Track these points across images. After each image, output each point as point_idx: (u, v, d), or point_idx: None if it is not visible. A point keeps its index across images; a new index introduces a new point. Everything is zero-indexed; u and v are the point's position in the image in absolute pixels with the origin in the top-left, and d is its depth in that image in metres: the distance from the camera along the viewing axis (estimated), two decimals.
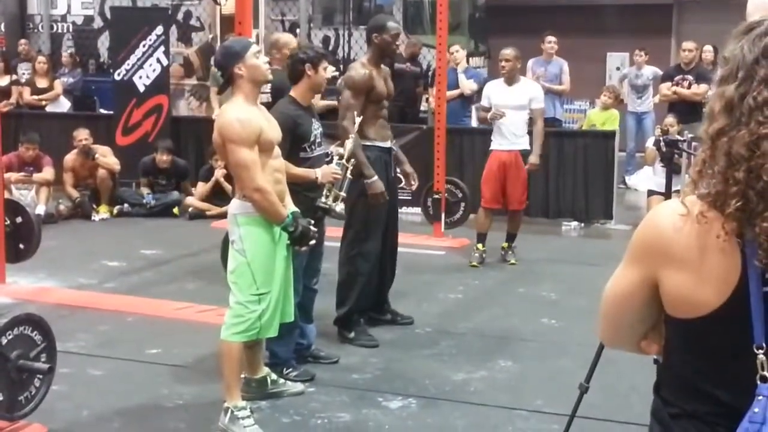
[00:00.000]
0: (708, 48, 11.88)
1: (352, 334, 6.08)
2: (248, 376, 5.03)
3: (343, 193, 5.35)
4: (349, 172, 5.39)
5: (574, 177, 10.25)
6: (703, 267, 1.64)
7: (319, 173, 5.24)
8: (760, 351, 1.63)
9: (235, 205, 4.66)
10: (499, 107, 8.02)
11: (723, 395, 1.70)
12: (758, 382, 1.63)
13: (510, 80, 8.14)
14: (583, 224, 10.20)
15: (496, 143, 8.20)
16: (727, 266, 1.63)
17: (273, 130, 4.66)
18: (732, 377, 1.69)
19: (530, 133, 8.18)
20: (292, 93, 5.43)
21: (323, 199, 5.28)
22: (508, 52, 8.18)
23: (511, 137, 8.09)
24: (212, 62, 4.72)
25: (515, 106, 8.02)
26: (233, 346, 4.66)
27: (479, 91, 11.32)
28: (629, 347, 1.92)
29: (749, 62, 1.65)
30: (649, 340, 1.87)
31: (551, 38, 11.85)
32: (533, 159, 8.15)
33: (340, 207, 5.36)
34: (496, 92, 8.18)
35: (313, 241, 4.81)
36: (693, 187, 1.69)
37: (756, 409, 1.63)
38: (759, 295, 1.62)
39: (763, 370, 1.63)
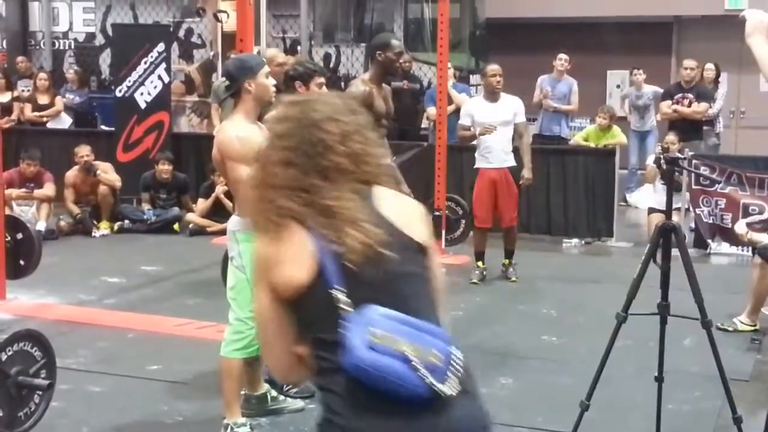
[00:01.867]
0: (710, 66, 11.89)
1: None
2: (248, 392, 5.02)
3: None
4: None
5: (576, 194, 10.25)
6: (288, 255, 2.13)
7: None
8: (333, 289, 2.08)
9: (234, 222, 4.66)
10: (486, 124, 7.90)
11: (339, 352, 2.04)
12: (341, 311, 2.07)
13: (494, 96, 8.04)
14: (583, 242, 10.20)
15: (484, 161, 8.06)
16: (305, 249, 2.12)
17: None
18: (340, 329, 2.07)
19: (514, 150, 8.13)
20: None
21: None
22: (497, 67, 8.13)
23: (500, 154, 7.99)
24: (221, 73, 4.70)
25: (502, 122, 7.92)
26: (233, 363, 4.66)
27: None
28: (289, 363, 2.23)
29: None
30: (298, 346, 2.20)
31: (563, 56, 11.87)
32: (527, 174, 8.11)
33: None
34: (479, 110, 8.06)
35: None
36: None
37: (348, 334, 2.03)
38: (326, 251, 2.10)
39: (338, 303, 2.07)
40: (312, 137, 2.20)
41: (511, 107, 8.05)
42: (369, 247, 2.11)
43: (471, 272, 8.31)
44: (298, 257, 2.13)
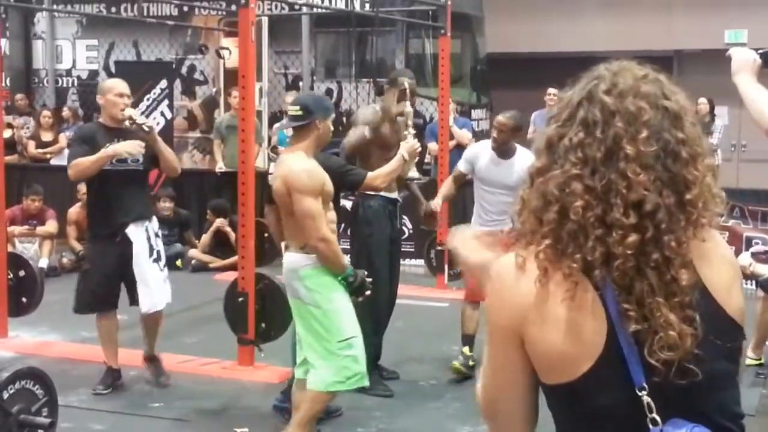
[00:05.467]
0: (702, 100, 12.02)
1: (368, 384, 6.01)
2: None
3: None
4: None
5: None
6: (563, 319, 1.56)
7: (404, 152, 5.60)
8: (644, 392, 1.54)
9: (293, 260, 4.65)
10: (485, 182, 6.40)
11: None
12: (650, 426, 1.54)
13: (503, 153, 6.31)
14: None
15: (476, 222, 6.42)
16: (589, 314, 1.56)
17: (330, 183, 4.71)
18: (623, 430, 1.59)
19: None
20: None
21: (411, 174, 6.20)
22: (503, 120, 6.31)
23: (494, 215, 6.30)
24: (296, 101, 4.70)
25: (503, 186, 6.17)
26: (328, 397, 4.70)
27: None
28: None
29: (574, 104, 1.65)
30: None
31: (552, 90, 11.96)
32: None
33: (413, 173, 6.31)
34: (484, 164, 6.41)
35: (368, 291, 4.81)
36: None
37: None
38: (626, 334, 1.54)
39: (651, 412, 1.54)
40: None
41: (519, 171, 6.02)
42: (685, 338, 1.55)
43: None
44: (584, 325, 1.56)
